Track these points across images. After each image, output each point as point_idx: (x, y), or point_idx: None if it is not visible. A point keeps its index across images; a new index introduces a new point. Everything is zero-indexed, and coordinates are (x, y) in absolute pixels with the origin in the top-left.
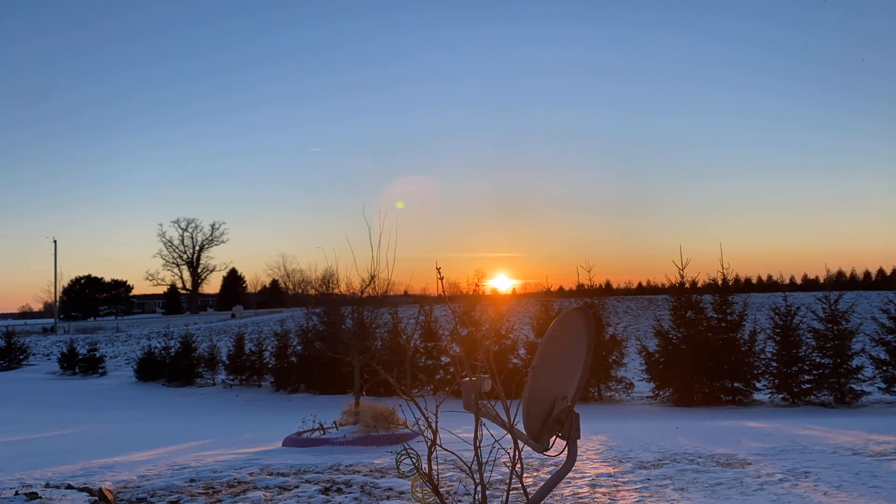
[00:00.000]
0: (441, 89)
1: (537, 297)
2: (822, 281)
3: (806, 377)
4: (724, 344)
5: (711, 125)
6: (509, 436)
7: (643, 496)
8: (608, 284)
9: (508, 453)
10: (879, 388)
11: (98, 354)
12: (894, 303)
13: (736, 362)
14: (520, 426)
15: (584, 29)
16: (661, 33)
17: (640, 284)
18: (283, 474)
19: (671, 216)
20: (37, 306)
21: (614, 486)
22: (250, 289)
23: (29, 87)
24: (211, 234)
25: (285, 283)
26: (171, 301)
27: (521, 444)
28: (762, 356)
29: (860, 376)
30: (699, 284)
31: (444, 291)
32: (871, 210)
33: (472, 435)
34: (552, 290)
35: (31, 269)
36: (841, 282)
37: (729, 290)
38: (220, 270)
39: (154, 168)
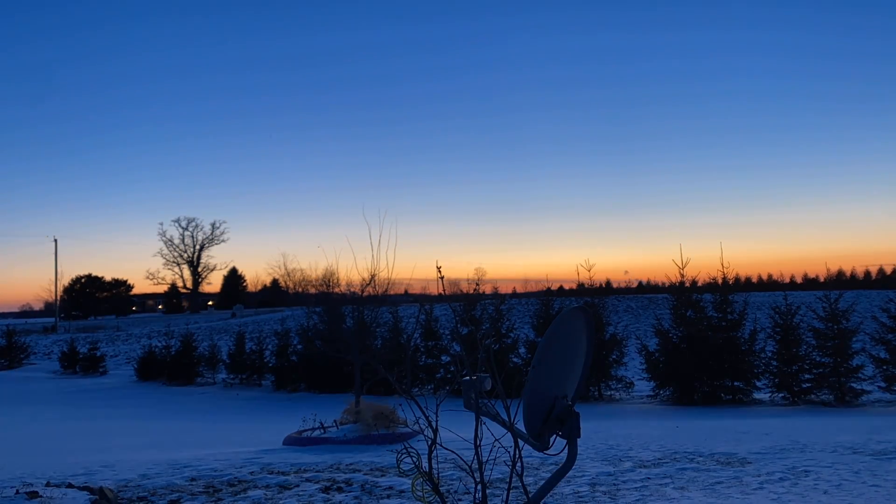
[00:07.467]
0: (441, 89)
1: (537, 296)
2: (822, 280)
3: (806, 376)
4: (724, 343)
5: (711, 122)
6: (509, 435)
7: (643, 495)
8: (608, 283)
9: (509, 452)
10: (880, 387)
11: (98, 353)
12: (895, 302)
13: (736, 361)
14: (520, 425)
15: (583, 27)
16: (661, 30)
17: (640, 283)
18: (283, 473)
19: (671, 216)
20: (37, 305)
21: (614, 484)
22: (251, 288)
23: (29, 85)
24: (211, 234)
25: (286, 283)
26: (172, 300)
27: (521, 443)
28: (762, 355)
29: (860, 375)
30: (699, 283)
31: (444, 290)
32: (872, 209)
33: (473, 434)
34: (552, 289)
35: (31, 268)
36: (841, 281)
37: (729, 289)
38: (220, 269)
39: (154, 167)
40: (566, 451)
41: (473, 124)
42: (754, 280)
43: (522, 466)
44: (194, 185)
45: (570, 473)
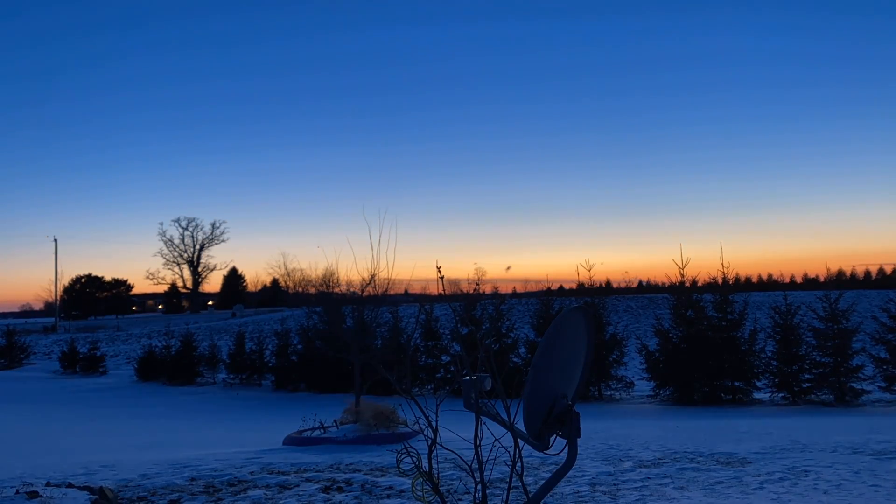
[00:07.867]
0: (441, 89)
1: (538, 296)
2: (822, 280)
3: (806, 376)
4: (724, 343)
5: (711, 123)
6: (509, 435)
7: (643, 495)
8: (608, 283)
9: (508, 452)
10: (880, 386)
11: (98, 353)
12: (895, 302)
13: (736, 361)
14: (520, 425)
15: (583, 28)
16: (660, 31)
17: (640, 283)
18: (283, 473)
19: (671, 216)
20: (37, 305)
21: (614, 484)
22: (251, 288)
23: (30, 85)
24: (211, 233)
25: (286, 282)
26: (172, 300)
27: (521, 442)
28: (762, 355)
29: (860, 375)
30: (699, 283)
31: (444, 290)
32: (872, 209)
33: (473, 434)
34: (552, 289)
35: (31, 268)
36: (841, 281)
37: (729, 289)
38: (220, 269)
39: (154, 167)
40: (566, 451)
41: (473, 124)
42: (754, 280)
43: (522, 466)
44: (194, 185)
45: (570, 473)
